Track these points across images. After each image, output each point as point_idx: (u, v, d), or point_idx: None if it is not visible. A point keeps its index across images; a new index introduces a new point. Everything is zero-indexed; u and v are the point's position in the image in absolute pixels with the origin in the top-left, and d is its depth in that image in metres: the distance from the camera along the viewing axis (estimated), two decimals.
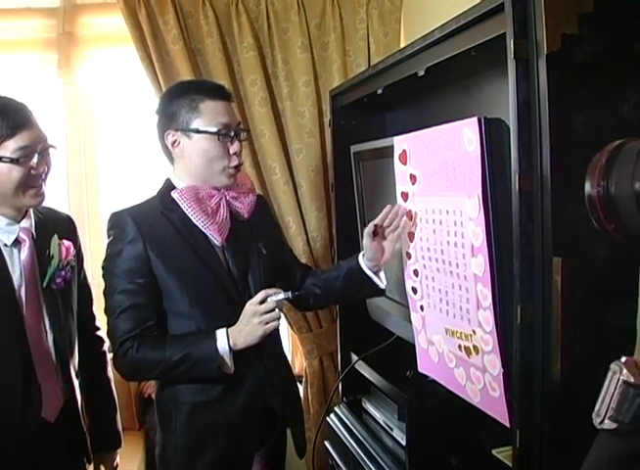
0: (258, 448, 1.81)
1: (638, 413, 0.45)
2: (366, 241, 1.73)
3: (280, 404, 1.80)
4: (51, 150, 1.70)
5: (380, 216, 1.70)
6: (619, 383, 0.46)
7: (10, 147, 1.58)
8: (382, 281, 1.81)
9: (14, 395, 1.62)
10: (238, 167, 1.72)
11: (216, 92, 1.71)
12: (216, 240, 1.68)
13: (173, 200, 1.67)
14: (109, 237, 1.68)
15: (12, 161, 1.58)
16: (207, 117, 1.66)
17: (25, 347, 1.64)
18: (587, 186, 0.52)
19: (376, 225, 1.70)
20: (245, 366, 1.67)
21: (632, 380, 0.46)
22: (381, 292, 1.87)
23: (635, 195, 0.47)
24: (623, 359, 0.48)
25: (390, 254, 1.75)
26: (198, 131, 1.66)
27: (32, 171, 1.62)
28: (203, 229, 1.66)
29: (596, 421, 0.48)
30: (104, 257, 1.69)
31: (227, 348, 1.60)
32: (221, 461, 1.69)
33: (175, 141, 1.69)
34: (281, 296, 1.62)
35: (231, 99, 1.75)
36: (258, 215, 1.83)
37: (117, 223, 1.67)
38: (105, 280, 1.67)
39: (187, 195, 1.66)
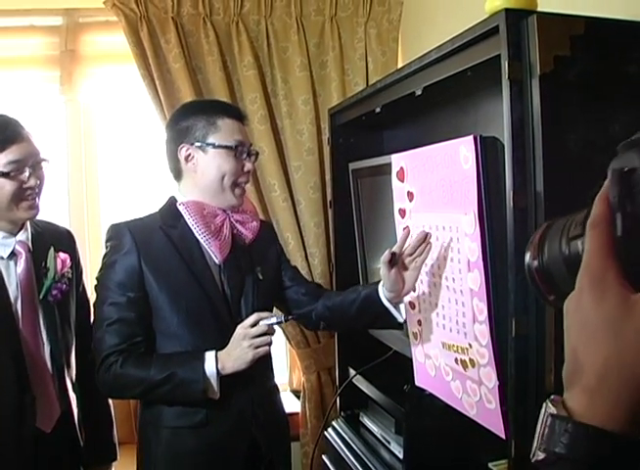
0: None
1: (563, 442, 0.50)
2: (383, 270, 1.58)
3: (266, 440, 1.72)
4: (44, 164, 1.72)
5: (398, 243, 1.57)
6: (547, 416, 0.52)
7: (0, 161, 1.61)
8: (401, 315, 1.69)
9: (8, 405, 1.62)
10: (244, 187, 1.72)
11: (233, 111, 1.74)
12: (216, 258, 1.66)
13: (175, 216, 1.66)
14: (106, 248, 1.67)
15: (2, 174, 1.61)
16: (225, 132, 1.67)
17: (20, 358, 1.65)
18: (527, 258, 0.60)
19: (394, 253, 1.56)
20: (231, 393, 1.61)
21: (556, 412, 0.51)
22: (398, 326, 1.74)
23: (564, 259, 0.55)
24: (552, 397, 0.53)
25: (413, 284, 1.60)
26: (214, 146, 1.65)
27: (24, 185, 1.65)
28: (204, 244, 1.64)
29: (532, 458, 0.53)
30: (99, 268, 1.67)
31: (215, 370, 1.54)
32: None
33: (189, 155, 1.67)
34: (273, 320, 1.56)
35: (245, 121, 1.77)
36: (261, 241, 1.80)
37: (115, 235, 1.65)
38: (96, 291, 1.65)
39: (193, 208, 1.65)
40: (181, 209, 1.66)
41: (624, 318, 0.48)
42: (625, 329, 0.48)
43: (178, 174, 1.74)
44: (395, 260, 1.57)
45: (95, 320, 1.64)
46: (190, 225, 1.64)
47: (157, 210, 1.75)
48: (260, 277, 1.75)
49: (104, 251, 1.69)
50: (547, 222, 0.61)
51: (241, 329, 1.56)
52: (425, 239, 1.53)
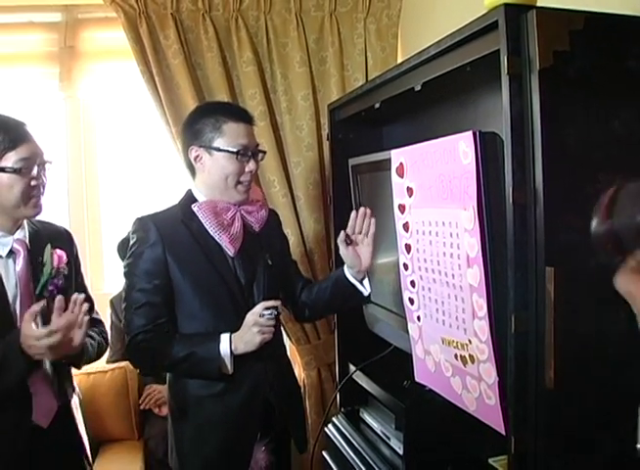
0: (261, 439, 1.94)
1: None
2: (341, 249, 1.89)
3: (278, 402, 1.91)
4: (47, 165, 1.76)
5: (349, 224, 1.88)
6: None
7: (11, 158, 1.65)
8: (365, 288, 1.95)
9: (5, 401, 1.63)
10: (249, 185, 1.86)
11: (239, 115, 1.86)
12: (229, 251, 1.82)
13: (192, 212, 1.81)
14: (132, 239, 1.83)
15: (14, 171, 1.65)
16: (229, 137, 1.80)
17: None
18: (594, 224, 0.58)
19: (347, 234, 1.87)
20: (245, 367, 1.79)
21: None
22: (365, 299, 1.98)
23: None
24: None
25: (369, 259, 1.89)
26: (219, 149, 1.80)
27: (33, 182, 1.69)
28: (218, 240, 1.80)
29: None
30: (127, 256, 1.83)
31: (229, 351, 1.74)
32: (223, 449, 1.82)
33: (198, 156, 1.83)
34: (268, 312, 1.74)
35: (252, 122, 1.89)
36: (268, 228, 1.97)
37: (141, 227, 1.81)
38: (126, 278, 1.83)
39: (205, 208, 1.80)
40: (195, 209, 1.81)
41: None
42: None
43: (192, 171, 1.90)
44: (350, 240, 1.89)
45: (125, 304, 1.82)
46: (204, 224, 1.80)
47: (177, 202, 1.91)
48: (270, 263, 1.92)
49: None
50: (615, 186, 0.59)
51: (251, 316, 1.75)
52: (365, 215, 1.86)
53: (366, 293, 1.96)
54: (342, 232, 1.88)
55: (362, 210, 1.88)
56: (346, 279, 1.96)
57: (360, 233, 1.89)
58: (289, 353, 3.01)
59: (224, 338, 1.75)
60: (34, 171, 1.69)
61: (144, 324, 1.76)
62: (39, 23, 2.76)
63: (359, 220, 1.88)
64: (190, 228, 1.81)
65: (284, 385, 1.96)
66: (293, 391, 2.06)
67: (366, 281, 1.95)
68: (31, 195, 1.70)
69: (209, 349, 1.75)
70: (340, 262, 2.27)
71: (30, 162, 1.68)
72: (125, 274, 1.83)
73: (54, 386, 1.75)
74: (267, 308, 1.74)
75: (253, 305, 1.78)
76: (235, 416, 1.82)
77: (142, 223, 1.82)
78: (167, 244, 1.78)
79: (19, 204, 1.68)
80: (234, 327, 1.76)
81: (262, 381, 1.86)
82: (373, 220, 1.86)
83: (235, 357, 1.75)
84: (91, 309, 1.97)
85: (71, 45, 2.72)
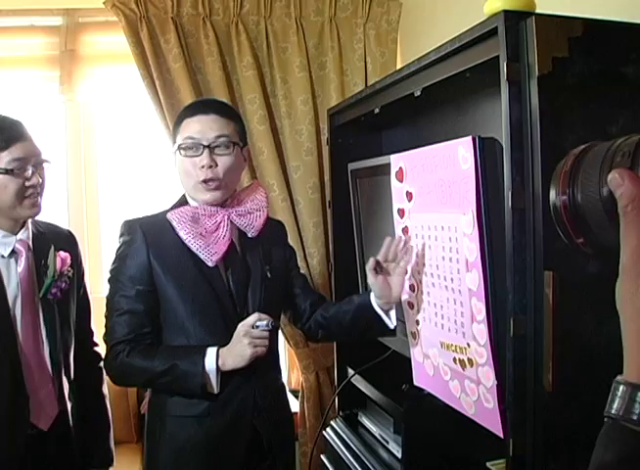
0: None
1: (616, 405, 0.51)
2: (369, 278, 1.64)
3: (266, 431, 1.74)
4: (45, 164, 1.75)
5: (382, 251, 1.63)
6: (613, 385, 0.52)
7: (4, 159, 1.64)
8: (392, 321, 1.71)
9: (0, 404, 1.63)
10: (210, 181, 1.65)
11: (194, 108, 1.72)
12: (208, 262, 1.65)
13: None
14: (118, 242, 1.72)
15: (6, 171, 1.64)
16: (182, 133, 1.68)
17: (15, 359, 1.66)
18: (552, 194, 0.50)
19: (378, 261, 1.63)
20: (232, 388, 1.66)
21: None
22: (390, 332, 1.75)
23: (602, 201, 0.46)
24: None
25: (400, 290, 1.65)
26: (178, 148, 1.69)
27: (27, 183, 1.67)
28: (194, 251, 1.64)
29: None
30: (113, 261, 1.72)
31: (214, 366, 1.59)
32: None
33: (175, 159, 1.72)
34: (264, 323, 1.60)
35: (211, 112, 1.68)
36: (271, 239, 1.83)
37: (127, 231, 1.70)
38: (109, 283, 1.71)
39: (180, 216, 1.66)
40: (169, 217, 1.67)
41: None
42: None
43: None
44: (380, 268, 1.63)
45: (107, 310, 1.69)
46: (179, 234, 1.65)
47: (169, 206, 1.76)
48: (269, 276, 1.77)
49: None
50: (580, 148, 0.50)
51: (242, 327, 1.61)
52: (404, 245, 1.61)
53: (392, 326, 1.71)
54: (372, 259, 1.62)
55: (398, 237, 1.64)
56: (371, 308, 1.71)
57: (393, 262, 1.63)
58: (286, 360, 3.05)
59: (210, 351, 1.60)
60: (29, 172, 1.67)
61: (126, 333, 1.63)
62: (40, 26, 2.77)
63: (393, 247, 1.62)
64: (178, 233, 1.66)
65: (274, 411, 1.77)
66: (284, 420, 1.86)
67: (392, 313, 1.71)
68: (26, 195, 1.68)
69: (193, 362, 1.59)
70: (338, 266, 2.29)
71: (24, 162, 1.66)
72: (109, 279, 1.71)
73: (55, 388, 1.75)
74: (262, 320, 1.60)
75: (247, 318, 1.64)
76: (217, 443, 1.66)
77: (128, 226, 1.71)
78: (153, 249, 1.66)
79: (14, 204, 1.67)
80: (225, 342, 1.62)
81: (250, 405, 1.70)
82: (409, 247, 1.61)
83: (222, 375, 1.61)
84: (89, 315, 1.98)
85: (72, 49, 2.73)
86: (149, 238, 1.67)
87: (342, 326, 1.80)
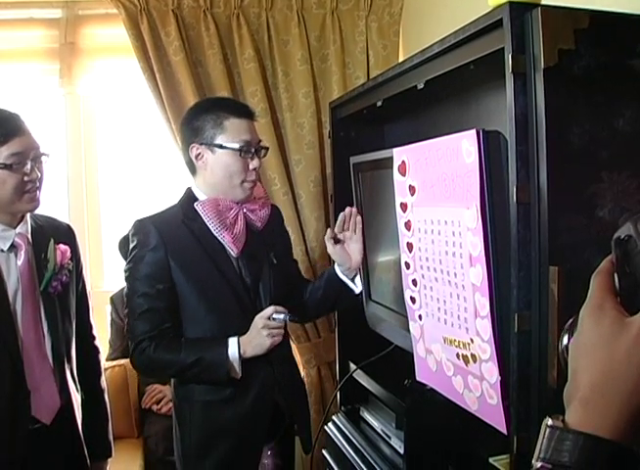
0: (267, 442, 1.93)
1: (558, 449, 0.53)
2: (329, 247, 1.90)
3: (287, 403, 1.90)
4: (44, 158, 1.74)
5: (337, 223, 1.90)
6: (545, 428, 0.55)
7: (2, 154, 1.63)
8: (357, 286, 1.94)
9: (0, 399, 1.63)
10: (254, 182, 1.82)
11: (240, 110, 1.82)
12: (232, 252, 1.78)
13: (195, 210, 1.76)
14: (132, 242, 1.78)
15: (5, 166, 1.63)
16: (231, 133, 1.76)
17: (16, 353, 1.66)
18: (564, 340, 0.65)
19: (335, 233, 1.88)
20: (254, 371, 1.78)
21: (553, 424, 0.54)
22: (355, 298, 1.97)
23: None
24: (552, 415, 0.56)
25: (359, 255, 1.89)
26: (221, 147, 1.76)
27: (26, 178, 1.67)
28: (220, 240, 1.76)
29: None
30: (127, 260, 1.80)
31: (237, 355, 1.72)
32: (232, 455, 1.80)
33: (199, 154, 1.79)
34: (281, 316, 1.75)
35: (254, 118, 1.85)
36: (271, 226, 1.94)
37: (141, 230, 1.77)
38: (127, 283, 1.79)
39: (208, 207, 1.76)
40: (198, 208, 1.77)
41: (618, 335, 0.54)
42: (619, 345, 0.53)
43: (192, 169, 1.86)
44: (337, 240, 1.89)
45: (128, 310, 1.78)
46: (207, 223, 1.76)
47: (176, 202, 1.87)
48: (274, 261, 1.89)
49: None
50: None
51: (260, 320, 1.73)
52: (351, 213, 1.89)
53: (357, 290, 1.95)
54: (329, 230, 1.90)
55: (348, 209, 1.90)
56: (337, 277, 1.95)
57: (347, 230, 1.90)
58: None
59: (232, 342, 1.73)
60: (27, 166, 1.66)
61: (148, 330, 1.72)
62: (39, 19, 2.75)
63: (343, 218, 1.89)
64: (191, 229, 1.77)
65: (291, 385, 1.95)
66: (300, 390, 2.06)
67: (357, 279, 1.95)
68: (25, 190, 1.68)
69: (218, 353, 1.72)
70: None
71: (23, 156, 1.65)
72: (127, 279, 1.79)
73: (57, 382, 1.75)
74: (278, 313, 1.73)
75: (260, 306, 1.78)
76: (244, 421, 1.80)
77: (142, 226, 1.78)
78: (170, 247, 1.74)
79: (13, 199, 1.66)
80: (241, 329, 1.75)
81: (271, 383, 1.84)
82: (359, 218, 1.88)
83: (243, 361, 1.74)
84: (88, 309, 1.97)
85: (72, 41, 2.71)
86: (164, 236, 1.75)
87: (316, 301, 2.00)
